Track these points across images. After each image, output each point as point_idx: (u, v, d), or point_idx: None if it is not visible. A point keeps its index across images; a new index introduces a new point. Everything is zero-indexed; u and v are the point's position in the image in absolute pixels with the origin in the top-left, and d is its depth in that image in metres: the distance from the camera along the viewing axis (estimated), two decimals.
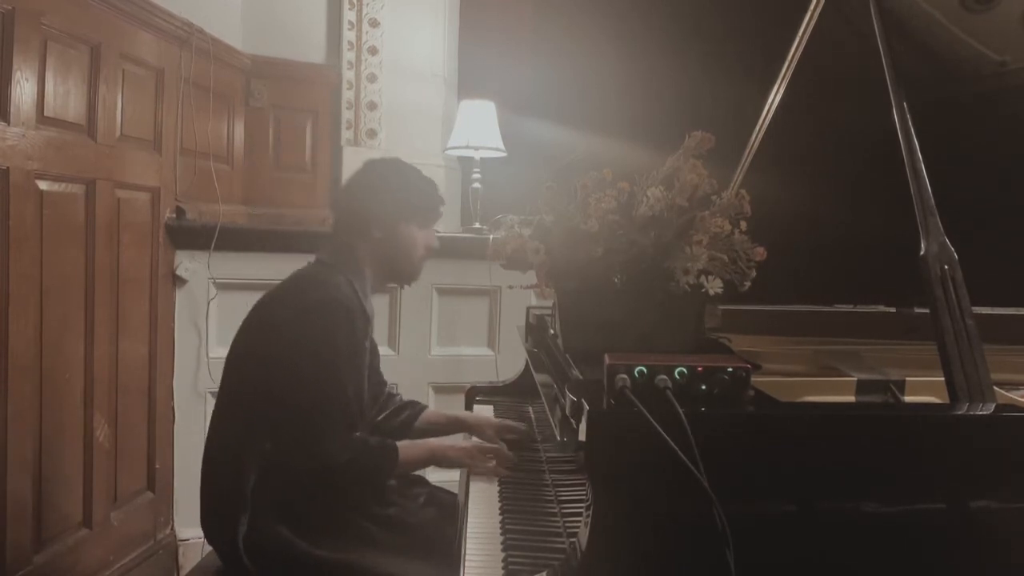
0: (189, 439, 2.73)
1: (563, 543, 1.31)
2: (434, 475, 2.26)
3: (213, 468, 1.79)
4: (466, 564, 1.28)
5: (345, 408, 1.72)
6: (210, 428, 1.83)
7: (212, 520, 1.78)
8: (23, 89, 2.06)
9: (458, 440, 2.00)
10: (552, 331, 1.74)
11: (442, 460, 1.86)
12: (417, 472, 2.03)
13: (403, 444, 1.84)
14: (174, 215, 2.77)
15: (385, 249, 1.87)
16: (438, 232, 2.02)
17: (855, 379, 1.53)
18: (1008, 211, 1.74)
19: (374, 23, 3.54)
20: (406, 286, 2.05)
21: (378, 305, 3.05)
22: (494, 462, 1.76)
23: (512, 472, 1.72)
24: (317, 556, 1.67)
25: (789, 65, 1.67)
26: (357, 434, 1.76)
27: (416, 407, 2.13)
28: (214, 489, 1.78)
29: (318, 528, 1.70)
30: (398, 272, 1.93)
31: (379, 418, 2.03)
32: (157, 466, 2.73)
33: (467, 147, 3.30)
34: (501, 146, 3.34)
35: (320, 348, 1.69)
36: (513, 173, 3.35)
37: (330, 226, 1.95)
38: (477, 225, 3.26)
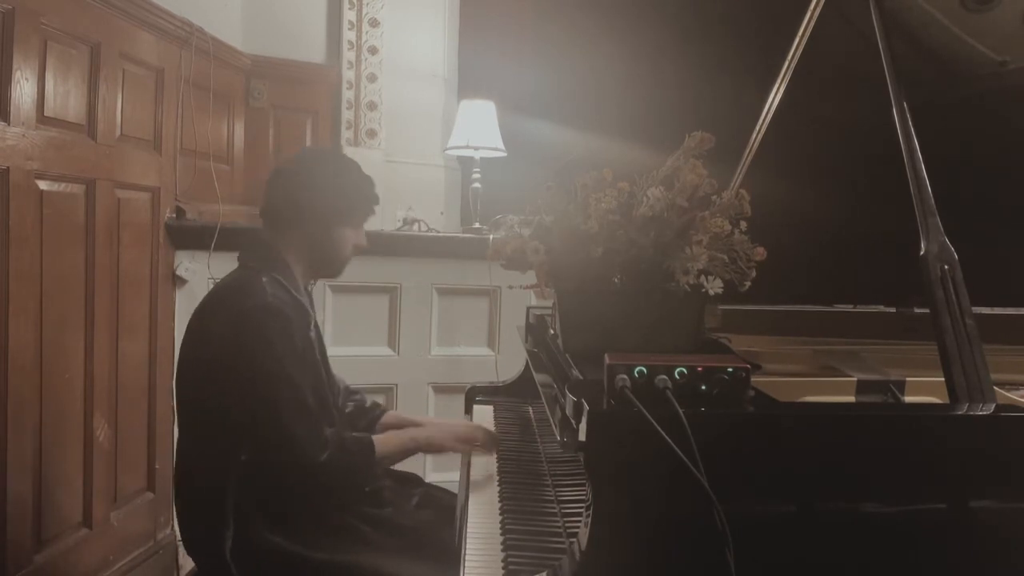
0: None
1: (563, 543, 1.31)
2: (432, 475, 2.26)
3: (190, 488, 1.77)
4: (466, 564, 1.28)
5: (307, 407, 1.68)
6: (178, 446, 1.80)
7: (195, 536, 1.76)
8: (23, 89, 2.06)
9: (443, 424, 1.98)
10: (552, 331, 1.74)
11: (426, 445, 1.84)
12: (413, 471, 2.02)
13: (382, 437, 1.81)
14: (174, 215, 2.77)
15: (314, 244, 1.82)
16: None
17: (855, 379, 1.53)
18: (1008, 211, 1.74)
19: (374, 23, 3.54)
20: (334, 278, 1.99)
21: (378, 305, 3.10)
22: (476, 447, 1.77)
23: (512, 472, 1.72)
24: (312, 559, 1.66)
25: (789, 65, 1.67)
26: (331, 430, 1.72)
27: (374, 412, 2.09)
28: (194, 508, 1.75)
29: (311, 532, 1.69)
30: (325, 267, 1.88)
31: (345, 410, 2.01)
32: (157, 466, 2.73)
33: (467, 147, 3.30)
34: (501, 146, 3.34)
35: (262, 356, 1.65)
36: (513, 173, 3.35)
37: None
38: (477, 225, 3.26)
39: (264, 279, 1.73)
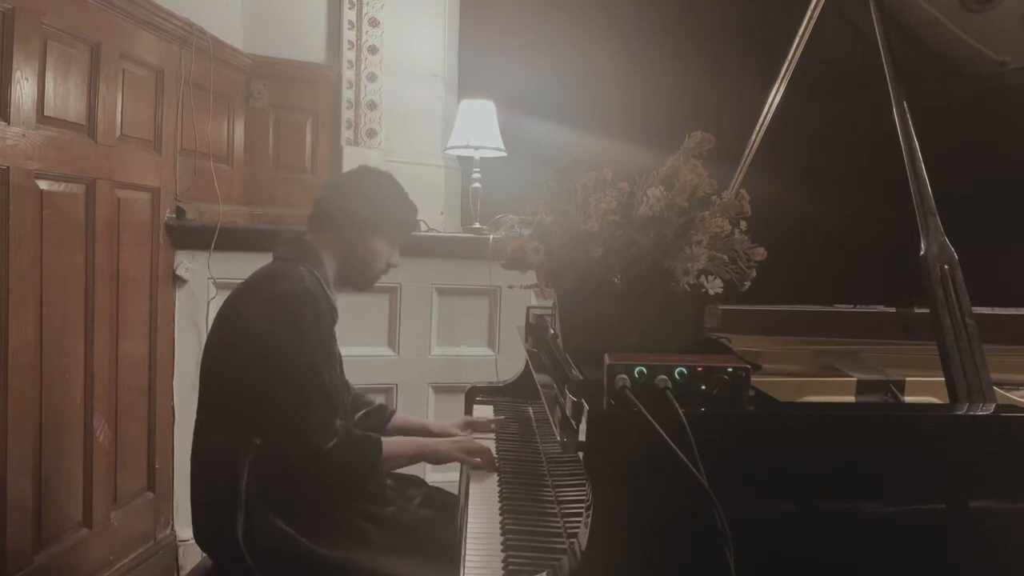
0: (189, 439, 2.70)
1: (563, 543, 1.31)
2: (432, 476, 2.26)
3: (205, 470, 1.79)
4: (466, 564, 1.28)
5: (324, 393, 1.73)
6: (196, 432, 1.83)
7: (208, 521, 1.78)
8: (23, 89, 2.06)
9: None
10: (552, 331, 1.74)
11: (431, 456, 1.87)
12: (414, 473, 2.03)
13: (391, 439, 1.86)
14: (174, 215, 2.77)
15: (348, 251, 1.90)
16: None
17: (855, 379, 1.53)
18: (1008, 211, 1.74)
19: (374, 23, 3.54)
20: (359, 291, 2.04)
21: (378, 305, 3.09)
22: (479, 460, 1.78)
23: (512, 472, 1.72)
24: (318, 553, 1.68)
25: (789, 65, 1.67)
26: (341, 423, 1.77)
27: (384, 413, 2.14)
28: (208, 490, 1.78)
29: (317, 525, 1.71)
30: (354, 277, 1.94)
31: (356, 416, 2.04)
32: (157, 466, 2.73)
33: (467, 147, 3.30)
34: (501, 146, 3.34)
35: (289, 337, 1.70)
36: (513, 173, 3.35)
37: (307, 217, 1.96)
38: (477, 225, 3.26)
39: (301, 268, 1.80)
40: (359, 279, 1.95)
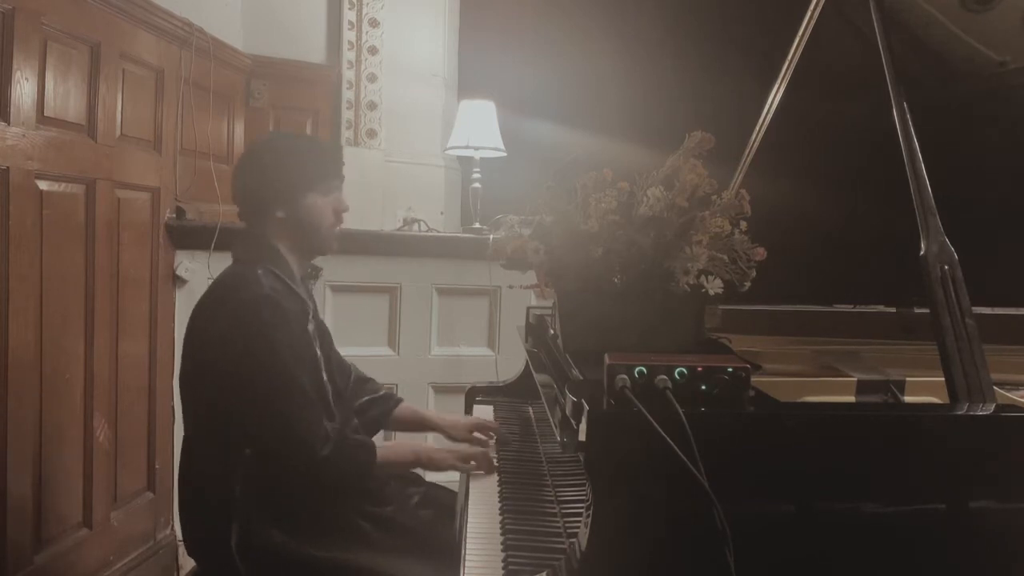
0: None
1: (563, 543, 1.31)
2: (432, 475, 2.26)
3: (195, 483, 1.78)
4: (466, 564, 1.28)
5: (307, 399, 1.69)
6: (184, 447, 1.81)
7: (201, 533, 1.77)
8: (23, 89, 2.06)
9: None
10: (552, 331, 1.74)
11: (428, 464, 1.86)
12: (413, 471, 2.03)
13: (387, 444, 1.83)
14: (174, 215, 2.77)
15: (294, 227, 1.82)
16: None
17: (855, 379, 1.53)
18: (1008, 211, 1.74)
19: (374, 23, 3.54)
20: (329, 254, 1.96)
21: (378, 305, 3.10)
22: (475, 464, 1.77)
23: (512, 472, 1.72)
24: (315, 556, 1.67)
25: (789, 65, 1.67)
26: (333, 424, 1.73)
27: (389, 403, 2.09)
28: (201, 503, 1.76)
29: (313, 529, 1.70)
30: (314, 245, 1.87)
31: (357, 404, 2.01)
32: (157, 466, 2.73)
33: (467, 147, 3.31)
34: (501, 146, 3.34)
35: (258, 346, 1.66)
36: (513, 173, 3.35)
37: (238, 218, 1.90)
38: (477, 225, 3.26)
39: (259, 271, 1.74)
40: (320, 244, 1.87)
